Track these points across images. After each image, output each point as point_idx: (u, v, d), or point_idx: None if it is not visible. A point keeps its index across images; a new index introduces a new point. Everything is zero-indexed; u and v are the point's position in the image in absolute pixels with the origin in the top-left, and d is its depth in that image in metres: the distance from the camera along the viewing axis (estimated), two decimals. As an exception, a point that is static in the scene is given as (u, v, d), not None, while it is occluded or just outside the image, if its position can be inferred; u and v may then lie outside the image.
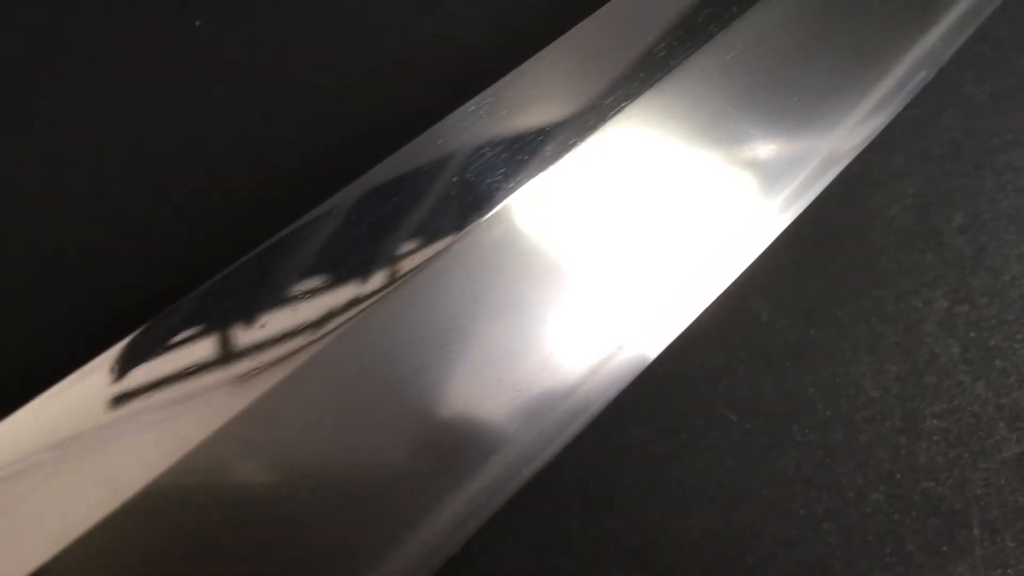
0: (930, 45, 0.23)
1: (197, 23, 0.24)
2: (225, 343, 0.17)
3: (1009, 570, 0.21)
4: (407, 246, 0.18)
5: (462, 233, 0.18)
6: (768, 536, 0.21)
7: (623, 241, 0.20)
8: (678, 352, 0.21)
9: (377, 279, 0.18)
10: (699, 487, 0.21)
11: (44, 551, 0.15)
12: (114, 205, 0.21)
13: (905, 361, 0.23)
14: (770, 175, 0.21)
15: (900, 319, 0.23)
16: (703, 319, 0.21)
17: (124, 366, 0.16)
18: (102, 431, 0.16)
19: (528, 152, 0.19)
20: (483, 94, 0.20)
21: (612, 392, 0.19)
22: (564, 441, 0.18)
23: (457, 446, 0.17)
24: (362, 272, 0.18)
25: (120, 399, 0.16)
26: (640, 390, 0.20)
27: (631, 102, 0.20)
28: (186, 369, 0.16)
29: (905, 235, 0.24)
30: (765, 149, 0.21)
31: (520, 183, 0.19)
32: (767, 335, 0.23)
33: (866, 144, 0.23)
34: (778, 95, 0.22)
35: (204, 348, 0.17)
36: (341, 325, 0.17)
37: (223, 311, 0.17)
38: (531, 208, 0.19)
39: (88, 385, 0.16)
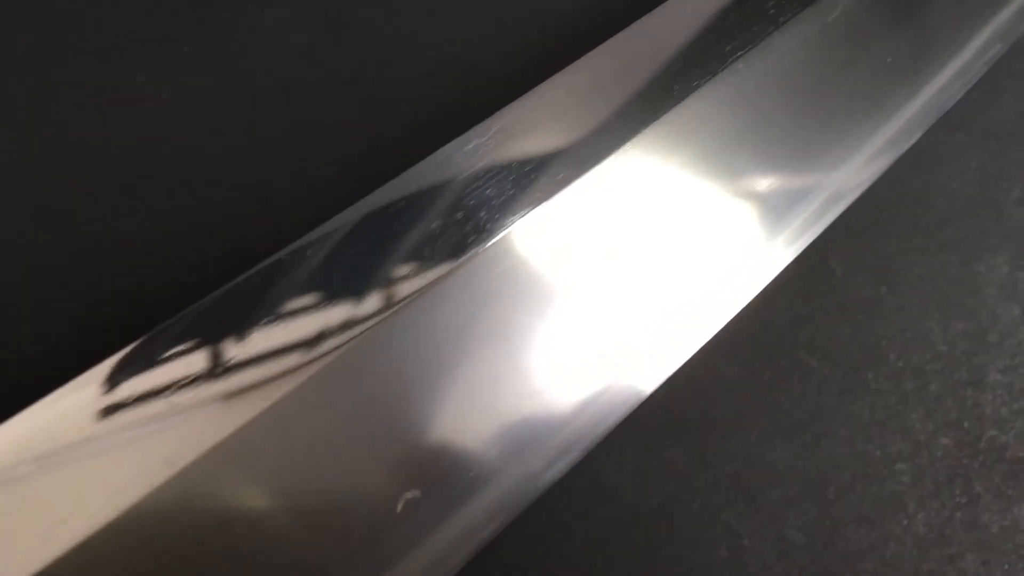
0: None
1: None
2: (216, 364, 0.16)
3: (1071, 511, 0.23)
4: (406, 271, 0.18)
5: (463, 260, 0.18)
6: (846, 472, 0.23)
7: (626, 273, 0.20)
8: (763, 301, 0.22)
9: (374, 304, 0.17)
10: (782, 424, 0.23)
11: (19, 572, 0.14)
12: (106, 210, 0.21)
13: (970, 320, 0.25)
14: (772, 209, 0.21)
15: (964, 281, 0.25)
16: (785, 272, 0.22)
17: (113, 382, 0.16)
18: (88, 448, 0.15)
19: (532, 180, 0.19)
20: (490, 119, 0.20)
21: (608, 424, 0.19)
22: (557, 474, 0.18)
23: (453, 474, 0.17)
24: (359, 296, 0.17)
25: (108, 416, 0.16)
26: (729, 334, 0.21)
27: (639, 132, 0.20)
28: (176, 389, 0.16)
29: (968, 205, 0.26)
30: (777, 178, 0.22)
31: (524, 212, 0.19)
32: (843, 290, 0.24)
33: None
34: (787, 134, 0.22)
35: (195, 368, 0.16)
36: (336, 349, 0.17)
37: (215, 331, 0.17)
38: (534, 238, 0.19)
39: (75, 401, 0.16)
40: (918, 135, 0.24)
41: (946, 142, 0.27)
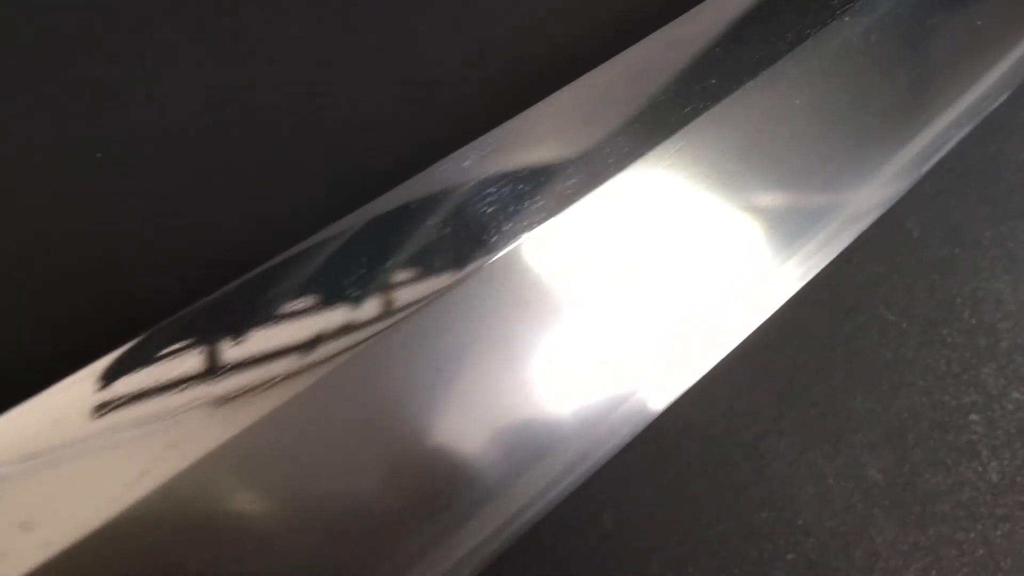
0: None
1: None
2: (212, 370, 0.16)
3: None
4: (412, 280, 0.17)
5: (468, 271, 0.18)
6: (924, 420, 0.24)
7: (635, 290, 0.19)
8: (842, 259, 0.23)
9: (377, 313, 0.17)
10: (862, 373, 0.24)
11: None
12: (103, 212, 0.21)
13: (1039, 282, 0.26)
14: (787, 226, 0.21)
15: (1033, 246, 0.26)
16: (864, 233, 0.23)
17: (106, 384, 0.15)
18: (78, 449, 0.15)
19: (542, 193, 0.19)
20: (498, 129, 0.19)
21: (616, 441, 0.19)
22: (563, 492, 0.18)
23: (454, 488, 0.17)
24: (361, 305, 0.17)
25: (99, 420, 0.15)
26: (811, 289, 0.23)
27: (653, 147, 0.20)
28: (170, 394, 0.16)
29: (1035, 176, 0.27)
30: (794, 195, 0.22)
31: (533, 225, 0.18)
32: (919, 249, 0.26)
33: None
34: (808, 150, 0.22)
35: (190, 374, 0.16)
36: (336, 357, 0.16)
37: (211, 337, 0.16)
38: (543, 251, 0.18)
39: (66, 400, 0.15)
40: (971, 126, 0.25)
41: (1014, 117, 0.28)
